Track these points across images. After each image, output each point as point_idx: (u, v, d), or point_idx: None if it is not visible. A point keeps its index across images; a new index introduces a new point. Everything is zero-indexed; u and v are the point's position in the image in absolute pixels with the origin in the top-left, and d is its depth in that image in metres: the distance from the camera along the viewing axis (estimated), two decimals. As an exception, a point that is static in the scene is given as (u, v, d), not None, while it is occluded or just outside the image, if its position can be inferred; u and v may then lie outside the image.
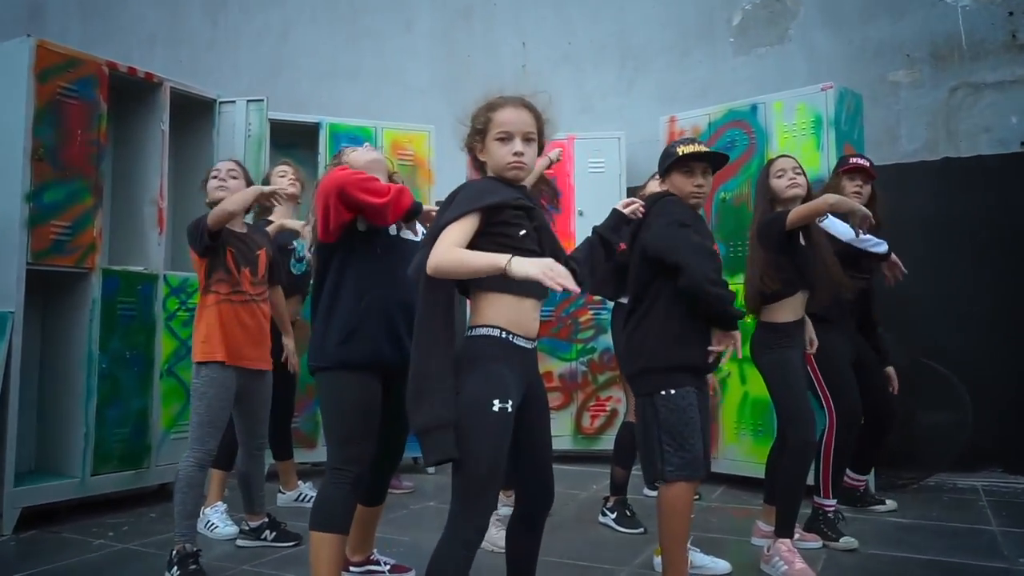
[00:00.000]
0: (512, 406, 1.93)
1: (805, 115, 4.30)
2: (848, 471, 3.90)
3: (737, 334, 2.52)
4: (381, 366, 2.48)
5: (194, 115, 4.52)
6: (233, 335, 3.08)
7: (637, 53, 6.02)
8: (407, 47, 6.87)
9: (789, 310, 3.11)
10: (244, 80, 7.35)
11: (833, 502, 3.45)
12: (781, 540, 2.99)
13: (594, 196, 5.24)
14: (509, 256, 1.83)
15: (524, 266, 1.80)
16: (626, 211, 2.57)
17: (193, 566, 2.81)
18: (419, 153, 5.22)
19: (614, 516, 3.60)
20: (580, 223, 5.32)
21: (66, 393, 3.82)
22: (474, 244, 1.94)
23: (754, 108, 4.53)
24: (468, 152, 2.16)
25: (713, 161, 2.65)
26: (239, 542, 3.40)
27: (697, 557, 3.01)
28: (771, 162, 3.31)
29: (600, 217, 2.66)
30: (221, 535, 3.46)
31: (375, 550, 2.96)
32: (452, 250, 1.90)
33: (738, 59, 5.62)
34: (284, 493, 4.09)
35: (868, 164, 3.79)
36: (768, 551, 3.02)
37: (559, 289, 1.76)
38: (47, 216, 3.65)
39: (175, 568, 2.82)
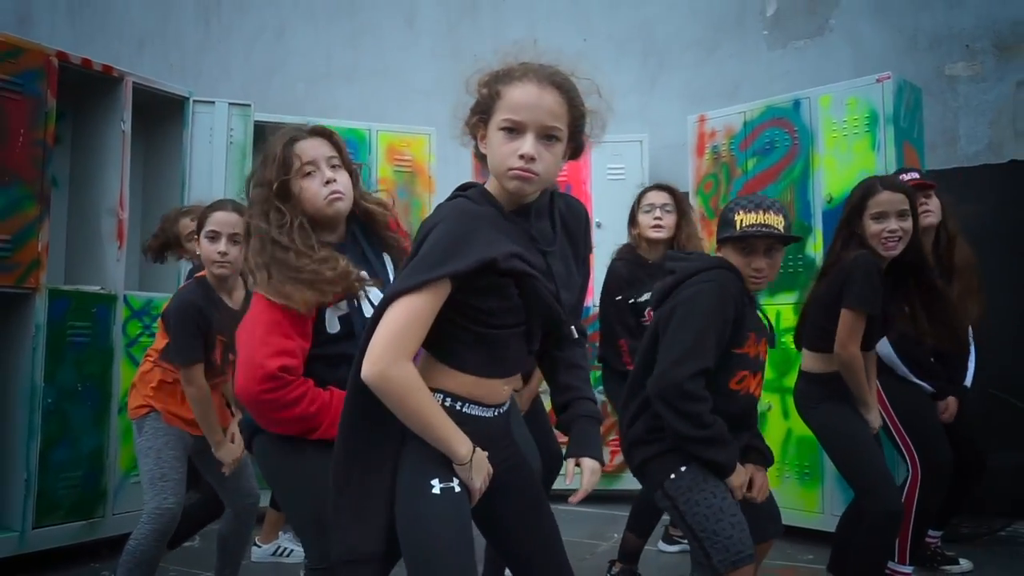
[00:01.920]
0: (460, 484, 1.45)
1: (858, 110, 3.76)
2: None
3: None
4: None
5: (163, 116, 4.04)
6: (183, 413, 2.69)
7: (660, 48, 5.53)
8: (408, 44, 6.41)
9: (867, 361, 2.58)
10: (236, 82, 6.92)
11: (910, 570, 2.90)
12: None
13: (614, 206, 4.69)
14: (472, 450, 1.44)
15: (478, 471, 1.45)
16: None
17: None
18: (418, 158, 4.73)
19: None
20: (599, 235, 4.78)
21: (3, 433, 3.33)
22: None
23: (797, 104, 3.99)
24: (471, 137, 1.55)
25: (783, 240, 2.06)
26: None
27: None
28: (871, 191, 2.57)
29: (621, 229, 2.12)
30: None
31: None
32: (411, 387, 1.39)
33: (773, 53, 5.11)
34: (260, 547, 3.59)
35: (919, 177, 3.18)
36: None
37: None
38: (-18, 227, 3.16)
39: None
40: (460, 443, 1.42)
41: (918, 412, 3.00)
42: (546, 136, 1.44)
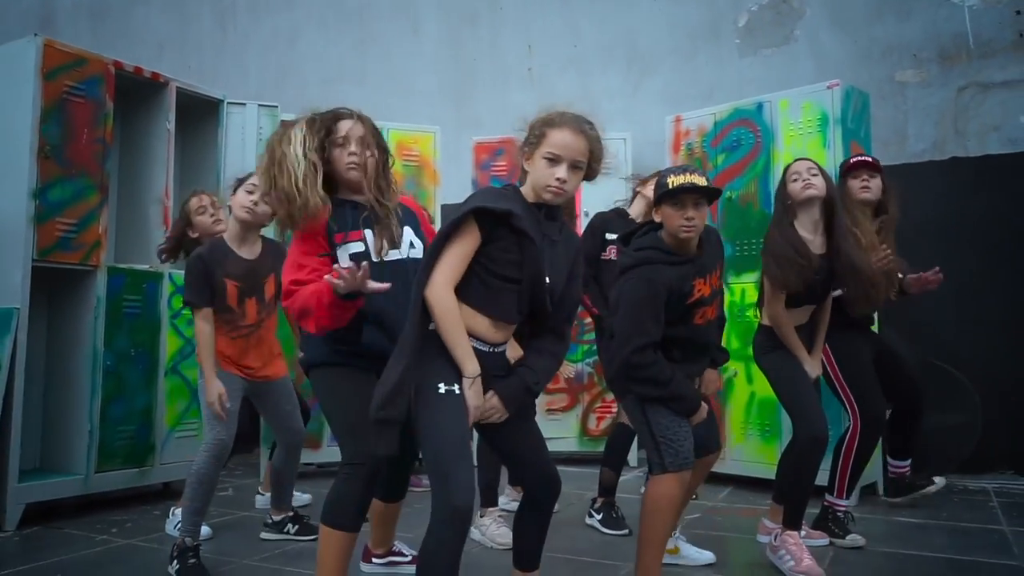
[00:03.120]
0: (460, 390, 1.99)
1: (811, 113, 4.28)
2: (889, 460, 3.89)
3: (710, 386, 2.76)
4: (374, 357, 2.34)
5: (200, 116, 4.54)
6: (235, 359, 3.14)
7: (643, 55, 6.02)
8: (414, 52, 6.89)
9: (791, 316, 3.12)
10: (252, 85, 7.38)
11: (846, 503, 3.38)
12: (789, 532, 2.96)
13: (600, 197, 5.21)
14: (476, 374, 1.99)
15: (470, 396, 1.99)
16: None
17: (192, 560, 2.80)
18: (424, 154, 5.23)
19: (600, 517, 3.55)
20: (586, 224, 5.29)
21: (71, 390, 3.83)
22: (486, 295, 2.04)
23: (760, 106, 4.51)
24: (522, 158, 2.16)
25: (706, 193, 2.50)
26: (263, 535, 3.39)
27: (684, 547, 3.03)
28: (788, 167, 3.22)
29: None
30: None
31: (396, 541, 2.95)
32: (450, 309, 1.99)
33: (744, 60, 5.61)
34: (262, 495, 4.01)
35: (870, 158, 3.65)
36: (775, 540, 2.99)
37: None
38: (53, 213, 3.66)
39: (175, 562, 2.82)
40: (470, 363, 1.99)
41: (858, 368, 3.41)
42: (574, 166, 2.07)
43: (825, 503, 3.40)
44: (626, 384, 2.51)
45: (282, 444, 3.34)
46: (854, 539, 3.24)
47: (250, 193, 3.06)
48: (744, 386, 4.45)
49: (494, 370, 2.10)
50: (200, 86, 4.50)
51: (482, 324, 2.07)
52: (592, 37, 6.24)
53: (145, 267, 4.10)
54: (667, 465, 2.41)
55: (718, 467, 4.53)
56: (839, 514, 3.34)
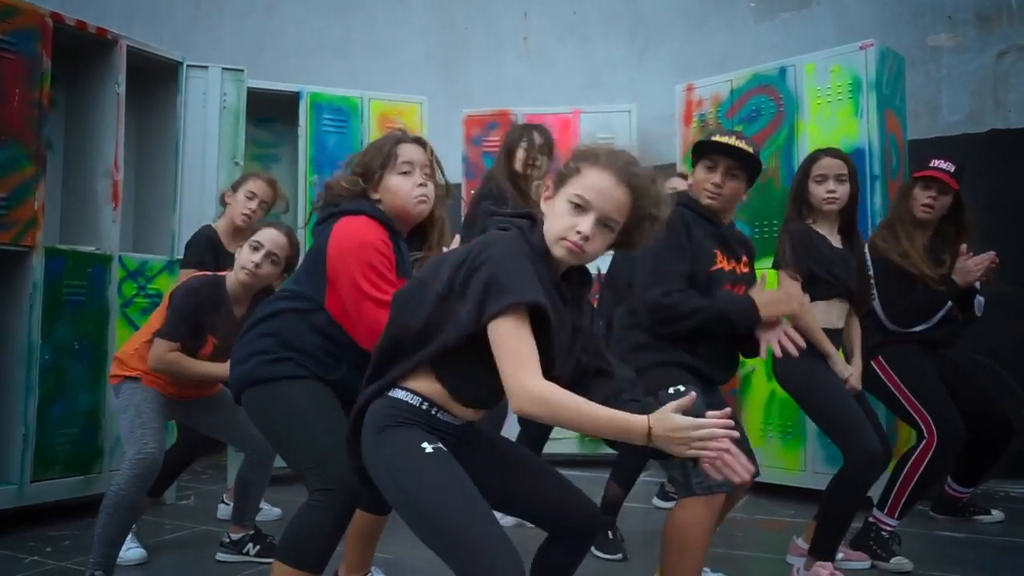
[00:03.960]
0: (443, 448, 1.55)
1: (842, 77, 3.83)
2: (951, 481, 3.51)
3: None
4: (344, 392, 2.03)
5: (157, 81, 4.06)
6: (165, 381, 2.78)
7: (649, 22, 5.56)
8: (400, 19, 6.41)
9: (817, 314, 2.67)
10: (227, 57, 6.84)
11: (895, 523, 2.94)
12: (820, 564, 2.53)
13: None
14: (647, 426, 1.42)
15: (671, 440, 1.41)
16: None
17: None
18: (410, 127, 4.74)
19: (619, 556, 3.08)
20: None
21: (2, 389, 3.36)
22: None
23: (783, 71, 4.06)
24: (542, 191, 1.66)
25: (744, 162, 2.23)
26: (219, 556, 2.96)
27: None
28: (815, 158, 2.81)
29: None
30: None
31: (374, 568, 2.50)
32: (564, 401, 1.44)
33: (760, 26, 5.16)
34: (227, 504, 3.56)
35: (948, 173, 3.14)
36: (802, 573, 2.55)
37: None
38: (-22, 185, 3.19)
39: None
40: (636, 421, 1.45)
41: (924, 377, 3.03)
42: (604, 223, 1.55)
43: (871, 519, 2.96)
44: (643, 372, 2.04)
45: (251, 454, 2.90)
46: (899, 563, 2.81)
47: (254, 250, 2.73)
48: (763, 383, 4.02)
49: (459, 436, 1.65)
50: (155, 46, 4.01)
51: (461, 411, 1.63)
52: (593, 2, 5.76)
53: (91, 249, 3.62)
54: (694, 487, 1.98)
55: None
56: (884, 534, 2.90)
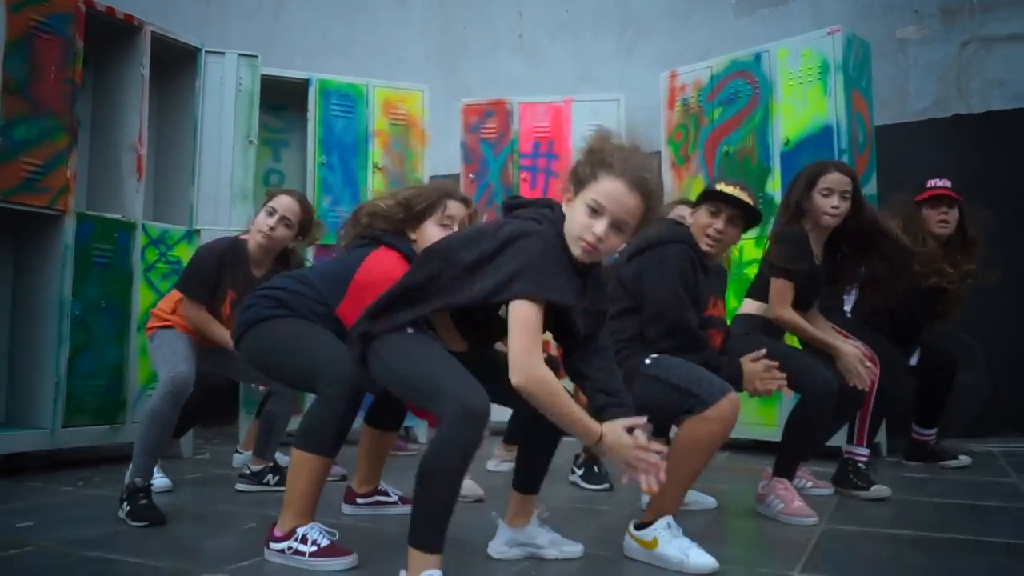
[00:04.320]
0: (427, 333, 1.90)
1: (811, 61, 4.15)
2: (915, 427, 3.85)
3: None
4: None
5: (177, 65, 4.36)
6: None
7: (637, 18, 5.87)
8: (401, 20, 6.73)
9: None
10: (236, 56, 7.21)
11: (866, 452, 3.20)
12: (778, 479, 2.79)
13: (592, 160, 5.09)
14: (599, 432, 1.77)
15: (610, 450, 1.77)
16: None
17: (143, 501, 2.59)
18: (412, 113, 5.06)
19: (581, 473, 3.35)
20: (578, 187, 5.15)
21: (37, 340, 3.63)
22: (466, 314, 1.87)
23: (758, 57, 4.37)
24: (564, 191, 1.89)
25: (746, 215, 2.49)
26: (238, 486, 3.21)
27: (689, 492, 2.82)
28: (821, 170, 2.96)
29: None
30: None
31: (382, 481, 2.79)
32: (555, 392, 1.74)
33: (740, 20, 5.47)
34: (241, 453, 3.84)
35: (949, 187, 3.56)
36: (762, 490, 2.81)
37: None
38: (18, 152, 3.45)
39: (124, 504, 2.60)
40: (592, 426, 1.77)
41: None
42: (617, 226, 1.80)
43: (845, 454, 3.21)
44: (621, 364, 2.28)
45: (280, 392, 3.19)
46: (880, 490, 3.03)
47: (270, 215, 3.09)
48: (742, 345, 4.29)
49: None
50: (177, 32, 4.31)
51: (455, 340, 1.94)
52: (584, 1, 6.08)
53: (117, 216, 3.90)
54: (707, 398, 2.12)
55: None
56: (860, 465, 3.15)
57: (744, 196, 2.46)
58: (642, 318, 2.40)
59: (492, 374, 1.85)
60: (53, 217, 3.63)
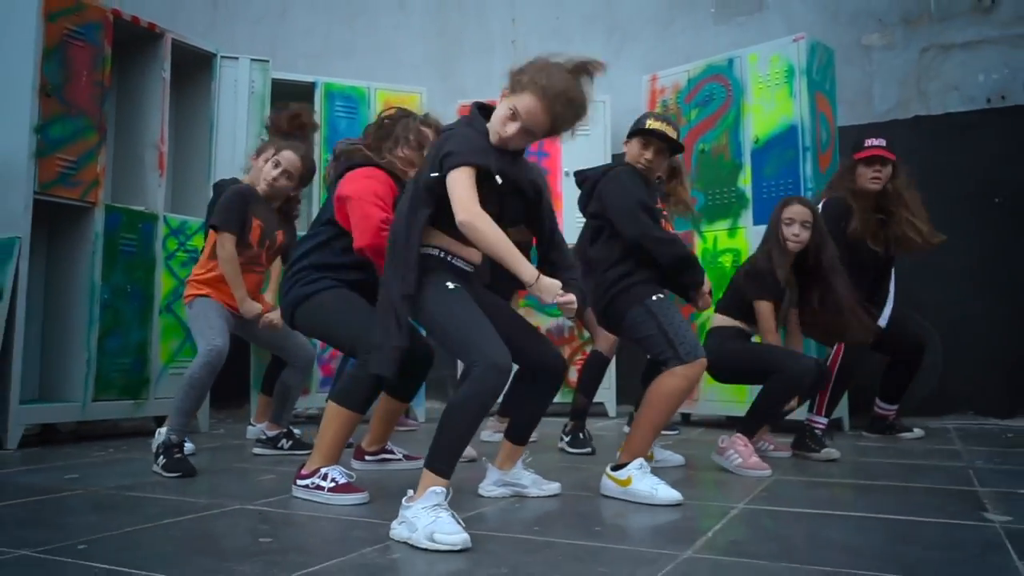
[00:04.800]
0: (464, 288, 2.16)
1: (778, 65, 4.51)
2: (878, 401, 4.21)
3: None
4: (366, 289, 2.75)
5: (194, 69, 4.71)
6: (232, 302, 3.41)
7: (623, 24, 6.22)
8: (401, 24, 7.08)
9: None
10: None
11: (824, 421, 3.59)
12: (738, 435, 3.13)
13: (581, 158, 5.37)
14: (537, 274, 2.08)
15: (544, 290, 2.07)
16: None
17: (178, 455, 2.94)
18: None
19: (568, 440, 3.70)
20: (567, 183, 5.50)
21: (69, 321, 3.98)
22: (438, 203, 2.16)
23: (731, 62, 4.73)
24: (504, 93, 2.21)
25: (670, 146, 2.86)
26: (255, 450, 3.54)
27: (657, 452, 3.23)
28: (787, 203, 3.43)
29: None
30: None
31: (389, 442, 3.15)
32: (492, 227, 2.07)
33: (719, 27, 5.83)
34: (254, 425, 4.15)
35: (883, 147, 3.86)
36: (722, 443, 3.16)
37: (570, 314, 2.18)
38: (53, 149, 3.82)
39: (160, 457, 2.93)
40: (529, 270, 2.10)
41: None
42: (527, 131, 2.17)
43: (805, 422, 3.58)
44: (629, 290, 2.69)
45: (294, 364, 3.54)
46: (829, 452, 3.38)
47: (275, 167, 3.43)
48: (716, 328, 4.65)
49: (473, 281, 2.30)
50: (194, 39, 4.67)
51: (466, 251, 2.25)
52: (574, 8, 6.44)
53: (141, 208, 4.26)
54: (683, 356, 2.51)
55: (690, 408, 4.74)
56: (817, 431, 3.51)
57: (669, 130, 2.81)
58: (622, 235, 2.74)
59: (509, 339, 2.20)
60: (85, 209, 3.98)
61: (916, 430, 4.15)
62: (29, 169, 3.72)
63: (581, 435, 3.68)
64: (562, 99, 2.14)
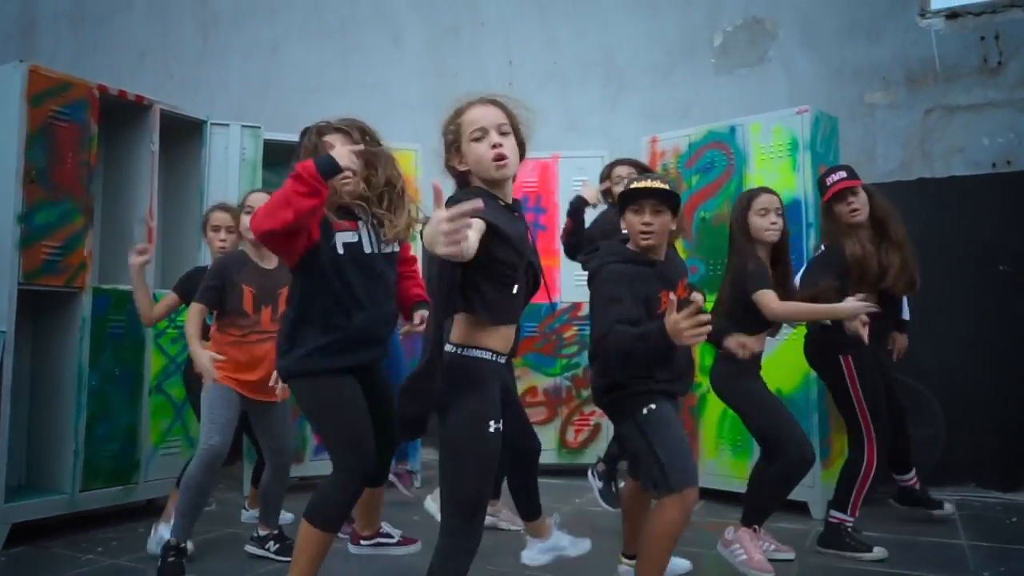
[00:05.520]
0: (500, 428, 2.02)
1: (781, 137, 4.41)
2: (896, 475, 4.06)
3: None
4: (367, 340, 2.57)
5: (183, 136, 4.59)
6: (244, 377, 3.25)
7: (621, 71, 6.13)
8: (395, 62, 6.96)
9: (759, 341, 3.26)
10: (235, 95, 7.43)
11: (853, 519, 3.51)
12: (744, 528, 3.06)
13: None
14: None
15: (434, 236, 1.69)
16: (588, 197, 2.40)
17: (172, 558, 2.97)
18: (406, 172, 5.24)
19: (600, 486, 3.65)
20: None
21: (56, 410, 3.88)
22: (471, 273, 1.95)
23: (733, 130, 4.63)
24: (449, 172, 2.10)
25: (664, 198, 2.51)
26: (247, 547, 3.50)
27: None
28: (754, 195, 3.32)
29: None
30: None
31: (383, 523, 3.10)
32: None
33: (719, 78, 5.74)
34: (248, 510, 4.10)
35: (846, 176, 3.63)
36: (728, 535, 3.08)
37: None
38: (38, 237, 3.71)
39: (159, 561, 3.00)
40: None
41: (875, 385, 3.49)
42: (502, 132, 2.02)
43: (834, 520, 3.48)
44: (618, 404, 2.52)
45: (270, 465, 3.42)
46: (880, 553, 3.35)
47: (247, 213, 3.33)
48: (716, 402, 4.53)
49: (504, 374, 2.17)
50: (183, 108, 4.55)
51: (504, 339, 2.07)
52: (571, 53, 6.34)
53: (130, 287, 4.14)
54: (673, 485, 2.33)
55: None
56: (850, 529, 3.46)
57: (656, 184, 2.52)
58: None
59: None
60: (71, 294, 3.88)
61: (948, 505, 4.04)
62: (13, 260, 3.61)
63: (613, 489, 3.64)
64: (480, 95, 2.09)
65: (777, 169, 4.40)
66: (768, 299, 3.17)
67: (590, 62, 6.26)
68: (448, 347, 2.03)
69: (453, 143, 2.06)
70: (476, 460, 1.98)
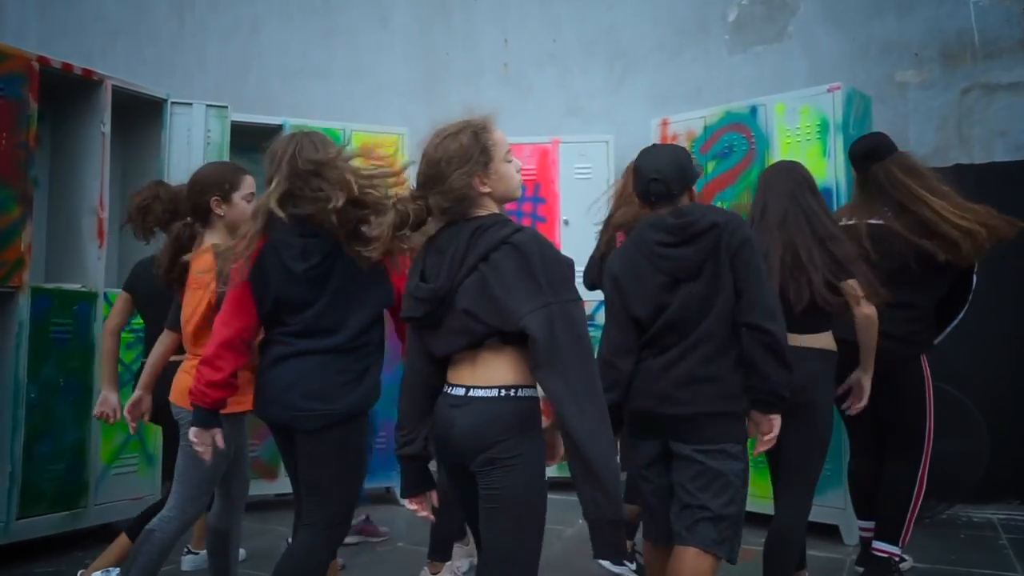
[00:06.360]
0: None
1: (810, 118, 3.95)
2: (861, 522, 3.35)
3: None
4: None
5: (142, 117, 4.12)
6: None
7: (626, 51, 5.66)
8: (382, 44, 6.49)
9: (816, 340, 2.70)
10: (211, 78, 6.95)
11: (901, 551, 3.06)
12: None
13: (580, 204, 4.84)
14: None
15: None
16: None
17: None
18: (391, 157, 4.83)
19: (633, 567, 3.20)
20: (565, 232, 4.96)
21: (-12, 427, 3.42)
22: None
23: (754, 110, 4.17)
24: (449, 197, 1.87)
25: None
26: None
27: None
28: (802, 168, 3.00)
29: (587, 227, 2.40)
30: None
31: None
32: None
33: (734, 58, 5.28)
34: (194, 553, 3.44)
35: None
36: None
37: None
38: (-35, 229, 3.25)
39: None
40: None
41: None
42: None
43: (882, 553, 3.02)
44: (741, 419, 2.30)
45: (225, 495, 2.68)
46: None
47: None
48: (736, 413, 4.13)
49: None
50: (140, 84, 4.07)
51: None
52: (572, 31, 5.87)
53: (76, 287, 3.68)
54: (732, 556, 2.31)
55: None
56: (898, 561, 3.05)
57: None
58: None
59: None
60: (6, 294, 3.41)
61: (907, 557, 3.35)
62: (-65, 257, 3.15)
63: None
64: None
65: (805, 154, 3.94)
66: (854, 287, 2.73)
67: (592, 41, 5.79)
68: (503, 391, 1.79)
69: (483, 162, 1.87)
70: (541, 514, 1.81)
